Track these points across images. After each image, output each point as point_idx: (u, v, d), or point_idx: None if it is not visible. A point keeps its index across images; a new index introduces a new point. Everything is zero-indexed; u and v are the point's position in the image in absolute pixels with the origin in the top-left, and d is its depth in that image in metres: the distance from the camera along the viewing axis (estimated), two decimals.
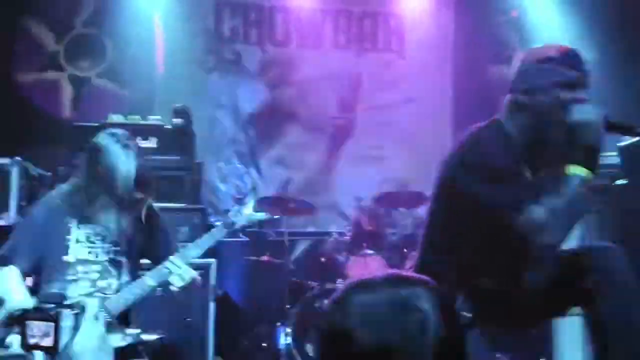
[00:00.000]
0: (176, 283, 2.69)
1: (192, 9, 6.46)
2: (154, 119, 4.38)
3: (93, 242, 2.71)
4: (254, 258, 5.62)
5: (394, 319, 1.04)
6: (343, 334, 1.06)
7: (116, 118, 4.31)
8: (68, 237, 2.69)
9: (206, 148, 5.98)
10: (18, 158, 3.88)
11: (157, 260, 2.76)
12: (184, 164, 4.12)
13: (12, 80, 6.01)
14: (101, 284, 2.67)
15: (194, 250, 2.75)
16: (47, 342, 1.57)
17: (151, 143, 4.07)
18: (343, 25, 6.74)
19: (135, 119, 4.29)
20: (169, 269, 2.67)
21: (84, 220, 2.72)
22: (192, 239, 3.05)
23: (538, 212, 1.96)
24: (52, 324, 1.57)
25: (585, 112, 2.07)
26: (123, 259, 2.74)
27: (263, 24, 6.61)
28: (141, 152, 2.82)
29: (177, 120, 4.20)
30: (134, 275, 2.76)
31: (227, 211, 2.85)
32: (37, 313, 1.60)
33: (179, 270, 2.67)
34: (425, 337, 1.03)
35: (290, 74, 6.64)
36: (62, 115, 6.06)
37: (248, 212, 2.82)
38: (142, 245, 2.82)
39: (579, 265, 2.13)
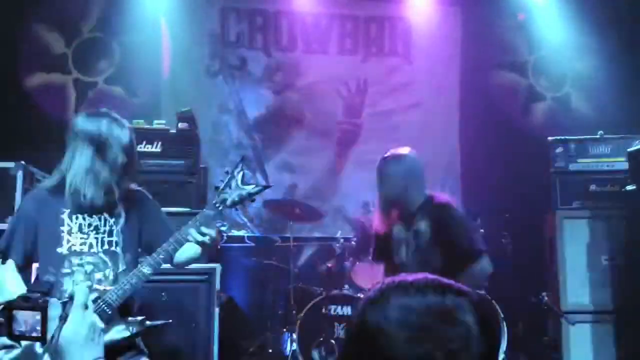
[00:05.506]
0: (196, 237, 2.55)
1: (198, 14, 6.46)
2: (158, 124, 4.37)
3: (86, 234, 2.64)
4: (259, 263, 5.60)
5: (436, 330, 0.98)
6: (376, 336, 1.00)
7: None
8: (62, 228, 2.63)
9: (211, 153, 5.97)
10: (23, 162, 3.87)
11: (152, 248, 2.65)
12: (189, 169, 4.09)
13: (19, 83, 6.02)
14: (97, 275, 2.61)
15: (192, 229, 2.57)
16: (34, 332, 1.53)
17: (156, 148, 4.05)
18: (349, 29, 6.72)
19: (140, 123, 4.28)
20: (173, 244, 2.56)
21: (76, 210, 2.64)
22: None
23: None
24: (39, 313, 1.53)
25: None
26: (118, 250, 2.67)
27: (268, 29, 6.60)
28: (133, 136, 2.73)
29: (182, 125, 4.18)
30: (132, 265, 2.66)
31: (217, 188, 2.61)
32: (24, 302, 1.55)
33: (191, 234, 2.55)
34: (467, 353, 0.98)
35: (295, 78, 6.62)
36: (68, 120, 6.04)
37: (237, 185, 2.58)
38: (139, 233, 2.75)
39: None
